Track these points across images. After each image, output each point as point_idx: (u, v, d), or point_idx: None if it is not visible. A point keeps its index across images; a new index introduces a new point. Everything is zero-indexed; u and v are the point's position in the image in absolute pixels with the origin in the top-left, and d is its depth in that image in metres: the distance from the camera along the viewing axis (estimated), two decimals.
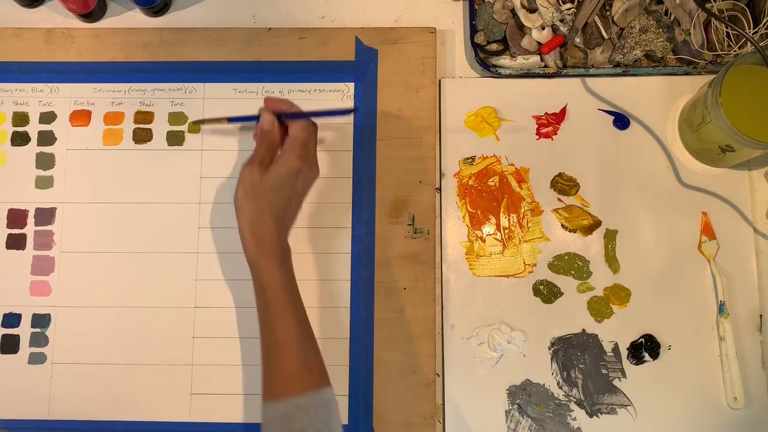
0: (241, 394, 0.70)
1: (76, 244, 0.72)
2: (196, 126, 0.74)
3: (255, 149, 0.65)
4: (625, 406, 0.70)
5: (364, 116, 0.74)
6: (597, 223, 0.73)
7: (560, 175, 0.74)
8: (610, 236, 0.73)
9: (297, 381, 0.59)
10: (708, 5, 0.72)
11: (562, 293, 0.72)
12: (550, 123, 0.75)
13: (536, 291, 0.72)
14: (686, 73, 0.75)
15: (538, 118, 0.75)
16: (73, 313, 0.71)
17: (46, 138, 0.74)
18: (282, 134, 0.66)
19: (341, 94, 0.75)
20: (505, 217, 0.73)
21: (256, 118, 0.68)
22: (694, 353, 0.70)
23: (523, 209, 0.74)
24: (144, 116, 0.75)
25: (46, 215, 0.73)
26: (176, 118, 0.75)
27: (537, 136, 0.75)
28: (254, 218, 0.63)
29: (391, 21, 0.79)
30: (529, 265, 0.72)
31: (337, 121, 0.74)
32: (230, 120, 0.71)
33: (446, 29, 0.78)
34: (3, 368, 0.70)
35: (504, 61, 0.75)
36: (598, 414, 0.69)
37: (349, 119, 0.74)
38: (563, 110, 0.75)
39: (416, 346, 0.70)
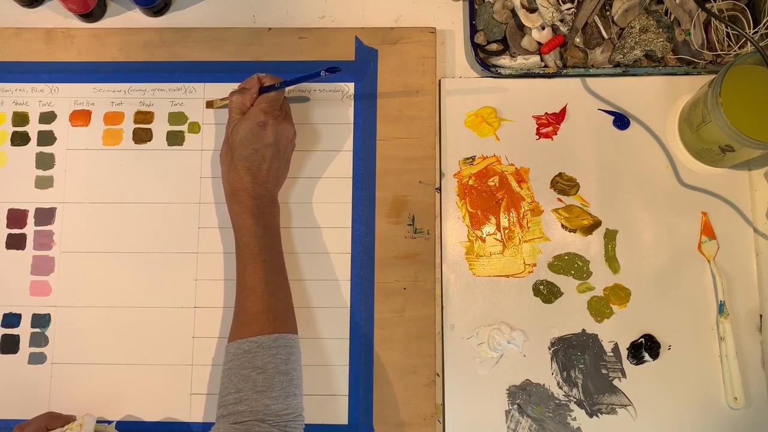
0: None
1: (76, 244, 0.72)
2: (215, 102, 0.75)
3: (229, 113, 0.69)
4: (625, 406, 0.70)
5: (364, 116, 0.74)
6: (597, 223, 0.73)
7: (560, 175, 0.74)
8: (610, 236, 0.73)
9: (261, 323, 0.62)
10: (708, 5, 0.72)
11: (562, 293, 0.72)
12: (550, 123, 0.75)
13: (536, 291, 0.72)
14: (686, 73, 0.75)
15: (538, 118, 0.75)
16: (73, 313, 0.71)
17: (46, 138, 0.74)
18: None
19: (341, 94, 0.75)
20: (505, 217, 0.73)
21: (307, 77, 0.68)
22: (694, 353, 0.70)
23: (523, 209, 0.73)
24: (144, 116, 0.75)
25: (46, 215, 0.73)
26: (176, 118, 0.75)
27: (537, 136, 0.75)
28: (228, 171, 0.67)
29: (391, 21, 0.79)
30: (529, 265, 0.72)
31: (337, 121, 0.74)
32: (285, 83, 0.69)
33: (446, 29, 0.78)
34: (3, 368, 0.70)
35: (504, 61, 0.75)
36: (598, 414, 0.69)
37: (349, 120, 0.74)
38: (563, 110, 0.75)
39: (416, 346, 0.70)
